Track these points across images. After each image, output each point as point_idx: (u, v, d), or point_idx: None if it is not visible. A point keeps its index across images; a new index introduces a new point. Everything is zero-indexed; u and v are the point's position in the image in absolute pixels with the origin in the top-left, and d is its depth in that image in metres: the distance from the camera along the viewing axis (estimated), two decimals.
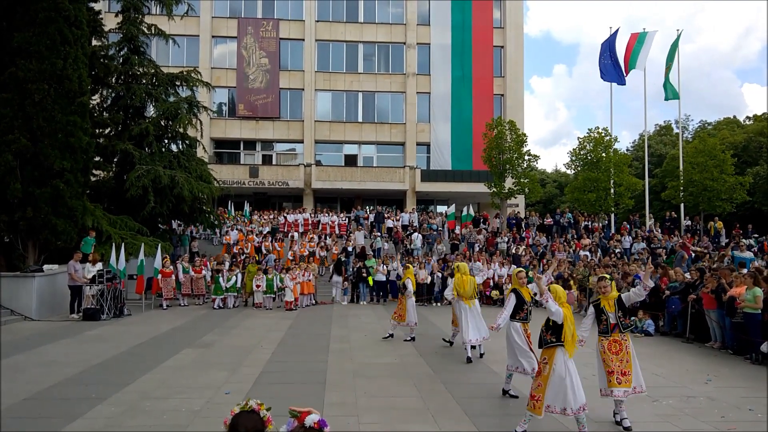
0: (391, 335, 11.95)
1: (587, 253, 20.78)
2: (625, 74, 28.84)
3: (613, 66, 29.11)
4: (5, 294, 14.25)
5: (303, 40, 35.86)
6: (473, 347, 9.95)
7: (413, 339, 11.79)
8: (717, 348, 11.26)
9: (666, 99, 28.49)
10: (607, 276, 6.77)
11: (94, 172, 19.61)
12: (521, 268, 7.96)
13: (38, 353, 10.11)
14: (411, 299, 11.83)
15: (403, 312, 11.73)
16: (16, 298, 14.32)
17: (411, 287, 11.90)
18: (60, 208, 15.43)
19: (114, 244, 16.26)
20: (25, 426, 6.14)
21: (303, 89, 35.74)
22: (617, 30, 29.36)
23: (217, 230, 25.13)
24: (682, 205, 27.73)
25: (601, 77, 29.55)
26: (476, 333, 9.83)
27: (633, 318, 13.23)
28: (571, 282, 17.71)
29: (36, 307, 14.48)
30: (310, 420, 2.41)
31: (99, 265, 15.30)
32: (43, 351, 10.33)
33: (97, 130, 20.76)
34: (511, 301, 7.52)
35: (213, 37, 35.76)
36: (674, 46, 28.49)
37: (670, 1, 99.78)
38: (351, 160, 36.33)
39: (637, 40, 28.27)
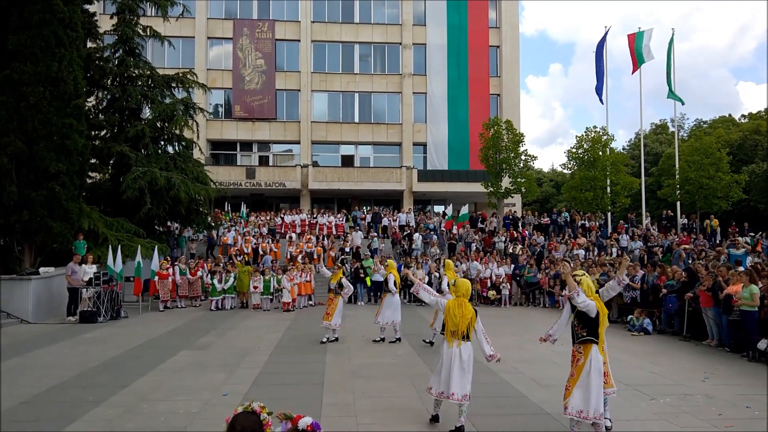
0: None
1: (580, 251, 20.79)
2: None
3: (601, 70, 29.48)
4: (2, 297, 14.17)
5: (299, 41, 35.82)
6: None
7: (336, 339, 11.65)
8: (714, 346, 11.29)
9: (668, 97, 28.72)
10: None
11: (90, 174, 19.55)
12: (580, 269, 7.14)
13: (35, 356, 10.08)
14: (342, 300, 11.88)
15: (332, 311, 11.53)
16: (13, 301, 14.24)
17: (349, 288, 12.15)
18: (56, 211, 15.38)
19: (110, 246, 16.21)
20: (23, 429, 6.11)
21: (299, 90, 35.71)
22: (608, 30, 29.58)
23: (214, 232, 25.08)
24: (678, 203, 27.83)
25: (597, 90, 29.98)
26: None
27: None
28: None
29: (32, 310, 14.41)
30: (304, 423, 2.43)
31: (95, 267, 15.25)
32: (40, 354, 10.29)
33: (92, 132, 20.70)
34: (566, 309, 6.61)
35: (208, 38, 35.68)
36: (669, 44, 28.62)
37: (666, 1, 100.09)
38: (348, 161, 36.29)
39: (636, 41, 28.38)
